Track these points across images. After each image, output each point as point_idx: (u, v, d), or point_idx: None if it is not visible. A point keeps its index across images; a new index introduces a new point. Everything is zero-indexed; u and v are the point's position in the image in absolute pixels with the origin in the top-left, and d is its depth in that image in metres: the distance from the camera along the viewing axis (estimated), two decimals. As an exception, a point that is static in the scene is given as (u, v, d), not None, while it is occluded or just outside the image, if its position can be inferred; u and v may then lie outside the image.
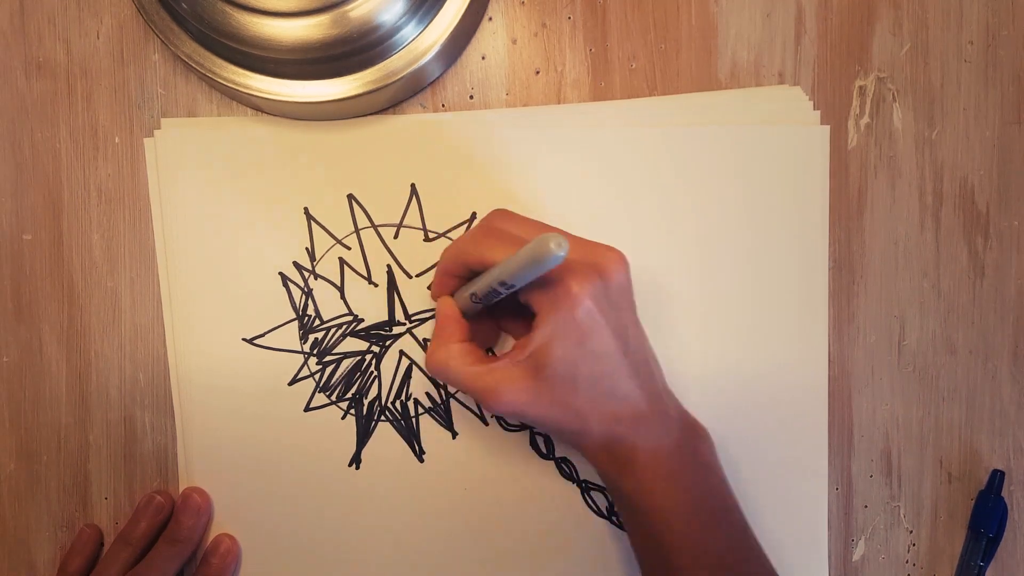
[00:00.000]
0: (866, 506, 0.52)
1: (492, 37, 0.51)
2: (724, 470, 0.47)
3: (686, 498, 0.44)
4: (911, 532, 0.53)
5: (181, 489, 0.52)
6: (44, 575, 0.53)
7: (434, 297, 0.49)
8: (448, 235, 0.51)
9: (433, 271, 0.51)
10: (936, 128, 0.52)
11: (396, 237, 0.51)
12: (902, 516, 0.53)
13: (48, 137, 0.52)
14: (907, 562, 0.53)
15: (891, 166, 0.52)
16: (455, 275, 0.47)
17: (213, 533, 0.52)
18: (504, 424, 0.52)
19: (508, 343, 0.51)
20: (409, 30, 0.47)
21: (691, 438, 0.46)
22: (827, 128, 0.51)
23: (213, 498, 0.52)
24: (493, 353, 0.51)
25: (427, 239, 0.51)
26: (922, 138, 0.52)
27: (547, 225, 0.45)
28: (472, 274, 0.46)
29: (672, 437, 0.44)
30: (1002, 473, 0.52)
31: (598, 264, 0.42)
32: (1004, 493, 0.52)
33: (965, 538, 0.53)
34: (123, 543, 0.51)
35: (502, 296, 0.43)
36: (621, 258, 0.43)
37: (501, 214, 0.46)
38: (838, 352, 0.52)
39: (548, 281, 0.42)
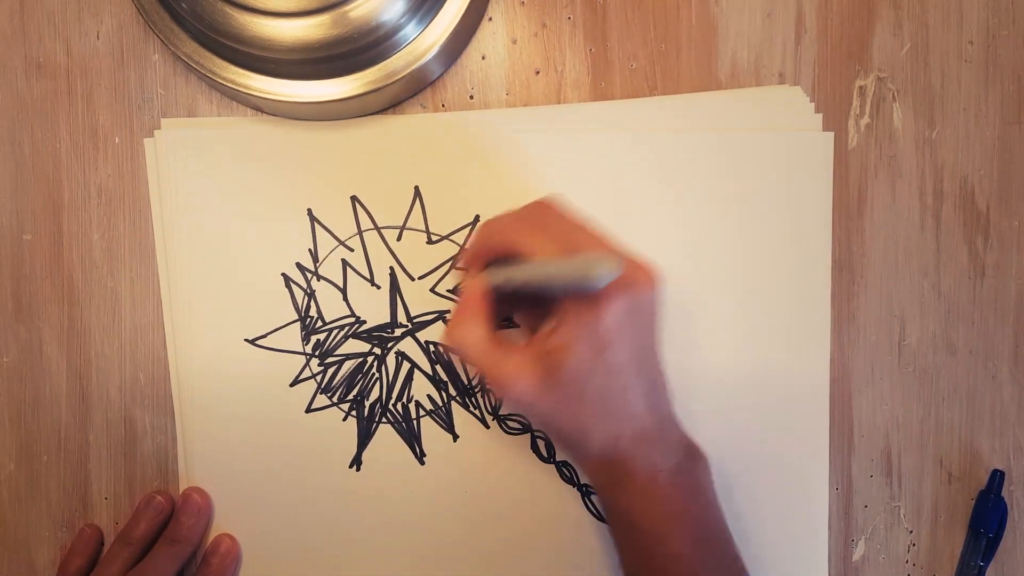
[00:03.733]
0: (866, 506, 0.52)
1: (492, 37, 0.51)
2: (719, 496, 0.47)
3: (679, 522, 0.44)
4: (911, 532, 0.53)
5: (181, 489, 0.52)
6: (44, 575, 0.53)
7: (463, 266, 0.47)
8: (451, 238, 0.51)
9: (435, 272, 0.51)
10: (936, 128, 0.52)
11: (399, 239, 0.51)
12: (902, 516, 0.53)
13: (48, 137, 0.52)
14: (907, 562, 0.53)
15: (891, 166, 0.52)
16: (490, 256, 0.45)
17: (213, 533, 0.52)
18: (505, 427, 0.52)
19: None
20: (409, 30, 0.47)
21: (690, 464, 0.45)
22: (831, 135, 0.51)
23: (213, 498, 0.52)
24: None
25: (430, 242, 0.51)
26: (922, 138, 0.52)
27: (593, 232, 0.44)
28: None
29: (671, 462, 0.44)
30: (1002, 473, 0.52)
31: (631, 279, 0.42)
32: (1004, 493, 0.52)
33: (965, 538, 0.53)
34: (123, 543, 0.51)
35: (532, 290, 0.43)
36: (653, 276, 0.43)
37: (550, 205, 0.44)
38: (838, 352, 0.52)
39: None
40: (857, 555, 0.53)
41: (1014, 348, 0.52)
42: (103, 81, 0.51)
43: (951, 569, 0.53)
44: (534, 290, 0.43)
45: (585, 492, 0.52)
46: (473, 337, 0.44)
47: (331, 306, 0.52)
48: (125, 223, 0.52)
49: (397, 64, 0.47)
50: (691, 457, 0.46)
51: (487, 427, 0.52)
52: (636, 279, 0.42)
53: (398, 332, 0.52)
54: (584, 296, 0.41)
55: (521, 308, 0.50)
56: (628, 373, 0.42)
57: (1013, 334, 0.52)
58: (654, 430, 0.44)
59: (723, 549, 0.45)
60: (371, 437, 0.52)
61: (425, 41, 0.47)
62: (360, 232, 0.51)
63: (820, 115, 0.51)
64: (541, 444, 0.52)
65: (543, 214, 0.44)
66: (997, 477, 0.52)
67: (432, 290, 0.51)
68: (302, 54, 0.45)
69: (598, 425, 0.43)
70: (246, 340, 0.52)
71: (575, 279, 0.39)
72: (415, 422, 0.52)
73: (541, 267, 0.41)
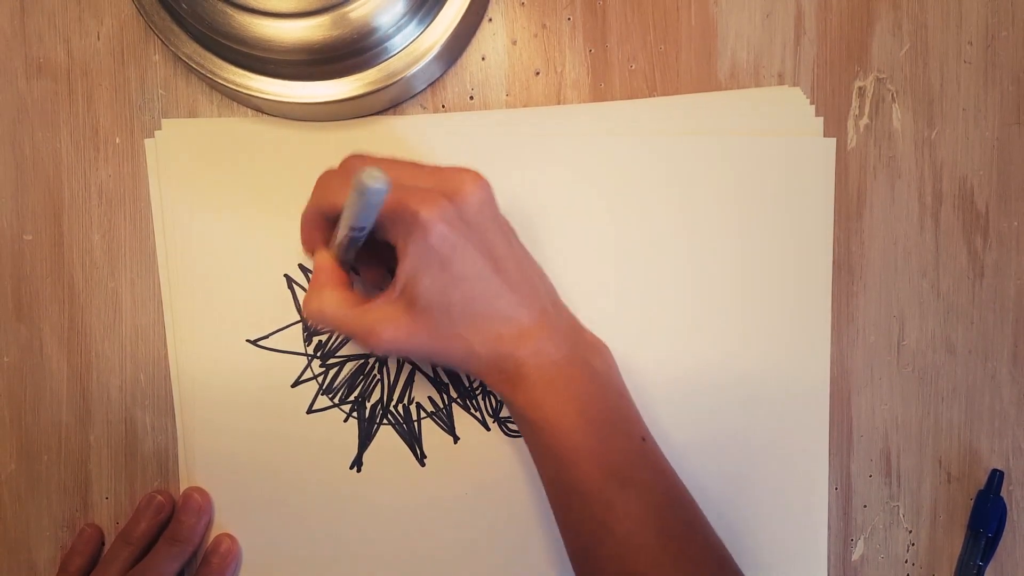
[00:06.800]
0: (865, 506, 0.53)
1: (492, 38, 0.51)
2: (625, 382, 0.46)
3: (577, 408, 0.43)
4: (910, 532, 0.53)
5: (182, 489, 0.52)
6: (44, 575, 0.53)
7: (307, 252, 0.47)
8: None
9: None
10: (936, 128, 0.52)
11: (399, 240, 0.51)
12: (901, 516, 0.53)
13: (49, 138, 0.52)
14: (906, 562, 0.53)
15: (891, 167, 0.52)
16: (317, 226, 0.45)
17: (213, 534, 0.52)
18: (506, 430, 0.52)
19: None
20: (409, 31, 0.47)
21: (583, 350, 0.45)
22: (832, 140, 0.51)
23: (214, 498, 0.52)
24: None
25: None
26: (921, 138, 0.52)
27: (399, 161, 0.44)
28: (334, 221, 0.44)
29: (562, 351, 0.44)
30: (1001, 473, 0.52)
31: (449, 188, 0.42)
32: (1003, 493, 0.52)
33: (964, 538, 0.53)
34: (123, 543, 0.51)
35: (363, 239, 0.42)
36: (476, 179, 0.43)
37: (355, 158, 0.44)
38: (838, 352, 0.52)
39: (399, 214, 0.41)
40: (856, 555, 0.53)
41: (1013, 348, 0.52)
42: (104, 82, 0.51)
43: (950, 569, 0.53)
44: (358, 239, 0.42)
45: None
46: (328, 305, 0.43)
47: (332, 307, 0.52)
48: (126, 224, 0.52)
49: (397, 65, 0.47)
50: (585, 346, 0.46)
51: (488, 429, 0.52)
52: (455, 187, 0.42)
53: (398, 332, 0.52)
54: (407, 222, 0.41)
55: (369, 264, 0.49)
56: (484, 277, 0.42)
57: (1012, 334, 0.52)
58: (533, 324, 0.44)
59: (627, 431, 0.45)
60: (372, 438, 0.52)
61: (425, 42, 0.47)
62: (360, 233, 0.51)
63: (820, 119, 0.51)
64: (541, 444, 0.52)
65: (349, 166, 0.44)
66: (996, 477, 0.52)
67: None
68: (302, 55, 0.45)
69: (475, 334, 0.43)
70: (247, 341, 0.52)
71: (361, 205, 0.38)
72: (416, 424, 0.52)
73: (343, 215, 0.41)
